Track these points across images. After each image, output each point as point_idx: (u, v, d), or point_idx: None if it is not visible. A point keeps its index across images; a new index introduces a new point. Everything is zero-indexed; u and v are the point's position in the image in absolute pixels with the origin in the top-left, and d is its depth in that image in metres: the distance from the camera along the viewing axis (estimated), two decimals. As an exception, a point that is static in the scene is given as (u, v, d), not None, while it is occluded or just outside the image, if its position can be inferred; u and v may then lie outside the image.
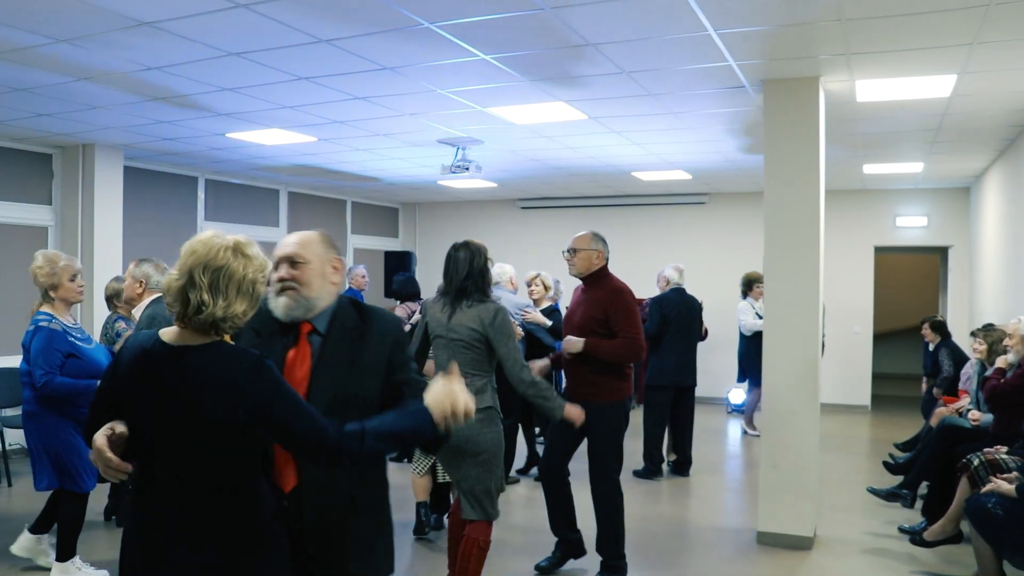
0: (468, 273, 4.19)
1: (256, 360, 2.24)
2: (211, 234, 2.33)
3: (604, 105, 6.54)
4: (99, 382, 2.67)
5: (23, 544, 5.05)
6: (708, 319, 8.71)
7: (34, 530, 5.07)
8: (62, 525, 4.84)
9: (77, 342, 4.77)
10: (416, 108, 6.67)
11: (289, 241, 2.66)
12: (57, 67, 5.52)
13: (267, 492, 2.37)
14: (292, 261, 2.60)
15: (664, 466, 7.95)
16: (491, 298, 4.22)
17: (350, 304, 2.69)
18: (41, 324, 4.69)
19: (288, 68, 5.48)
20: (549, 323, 6.88)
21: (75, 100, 6.52)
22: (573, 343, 4.81)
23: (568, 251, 5.00)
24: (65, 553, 4.81)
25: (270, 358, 2.28)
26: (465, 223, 13.61)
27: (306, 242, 2.65)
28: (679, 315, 7.70)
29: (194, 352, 2.25)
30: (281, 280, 2.59)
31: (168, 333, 2.30)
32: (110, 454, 2.21)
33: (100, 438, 2.23)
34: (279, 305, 2.59)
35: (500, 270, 7.07)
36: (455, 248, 4.27)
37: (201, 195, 10.64)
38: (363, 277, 9.87)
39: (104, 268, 8.51)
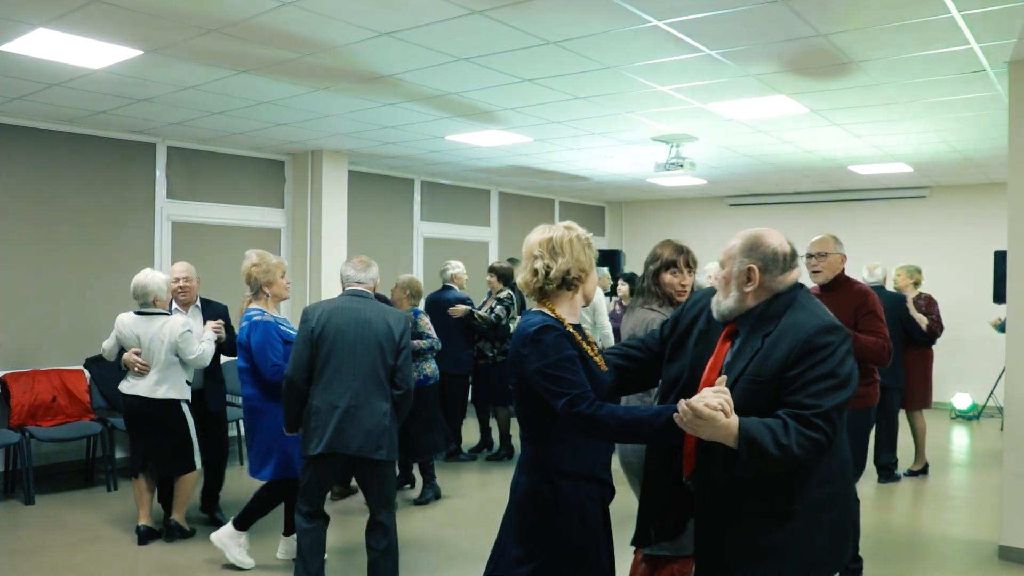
0: (644, 275, 4.13)
1: (541, 326, 2.67)
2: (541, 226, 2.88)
3: (827, 97, 6.33)
4: None
5: (283, 548, 5.37)
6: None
7: (288, 532, 5.35)
8: (278, 503, 5.27)
9: (288, 331, 5.09)
10: (633, 106, 6.68)
11: (725, 246, 2.73)
12: (299, 79, 5.90)
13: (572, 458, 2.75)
14: (721, 263, 2.73)
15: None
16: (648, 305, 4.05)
17: (783, 303, 2.58)
18: (255, 319, 4.98)
19: (513, 71, 5.62)
20: None
21: (310, 110, 6.94)
22: None
23: (815, 255, 4.84)
24: (243, 524, 5.22)
25: (550, 329, 2.66)
26: (672, 221, 13.51)
27: (729, 243, 2.71)
28: None
29: (524, 316, 2.82)
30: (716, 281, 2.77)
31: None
32: None
33: None
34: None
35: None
36: (659, 246, 4.15)
37: (417, 196, 11.08)
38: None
39: (331, 266, 9.01)
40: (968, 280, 11.05)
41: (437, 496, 6.89)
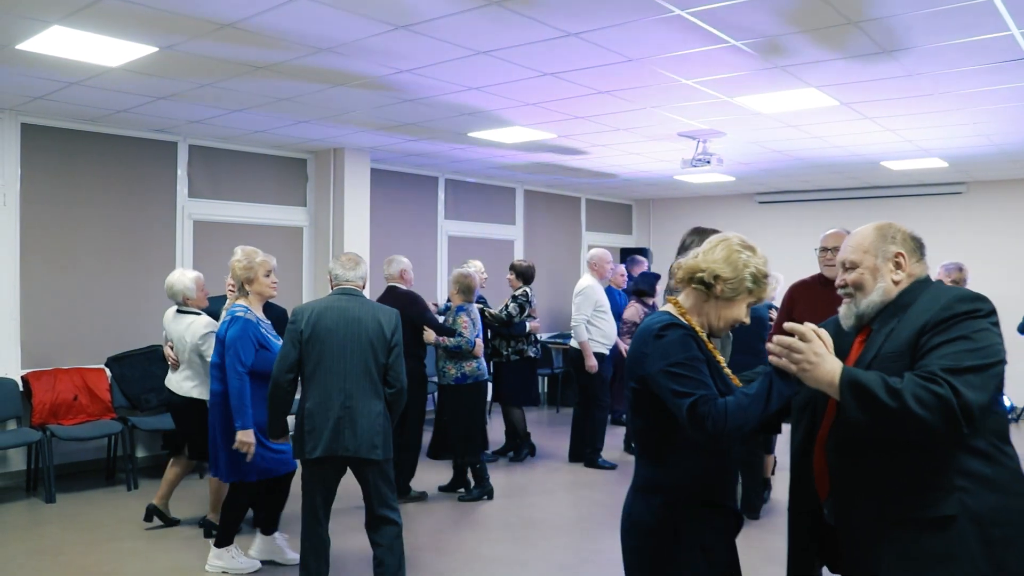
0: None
1: (666, 323, 2.45)
2: None
3: (858, 89, 6.14)
4: None
5: (259, 547, 5.26)
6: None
7: (265, 531, 5.27)
8: (248, 505, 5.16)
9: (268, 335, 4.98)
10: (658, 100, 6.54)
11: (849, 244, 2.52)
12: (317, 76, 5.82)
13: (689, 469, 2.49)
14: (844, 265, 2.50)
15: None
16: None
17: (920, 288, 2.40)
18: (237, 314, 4.86)
19: (534, 64, 5.50)
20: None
21: (330, 106, 6.86)
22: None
23: (830, 249, 4.71)
24: (224, 540, 5.08)
25: (676, 327, 2.44)
26: (700, 219, 13.21)
27: (855, 240, 2.50)
28: None
29: (650, 315, 2.63)
30: (841, 287, 2.51)
31: None
32: None
33: None
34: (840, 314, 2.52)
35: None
36: (688, 234, 4.01)
37: (441, 195, 10.98)
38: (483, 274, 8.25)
39: (353, 265, 8.96)
40: (1007, 278, 10.77)
41: (489, 496, 6.83)
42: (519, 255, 11.76)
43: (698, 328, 2.50)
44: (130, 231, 7.85)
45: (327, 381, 4.33)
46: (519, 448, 8.25)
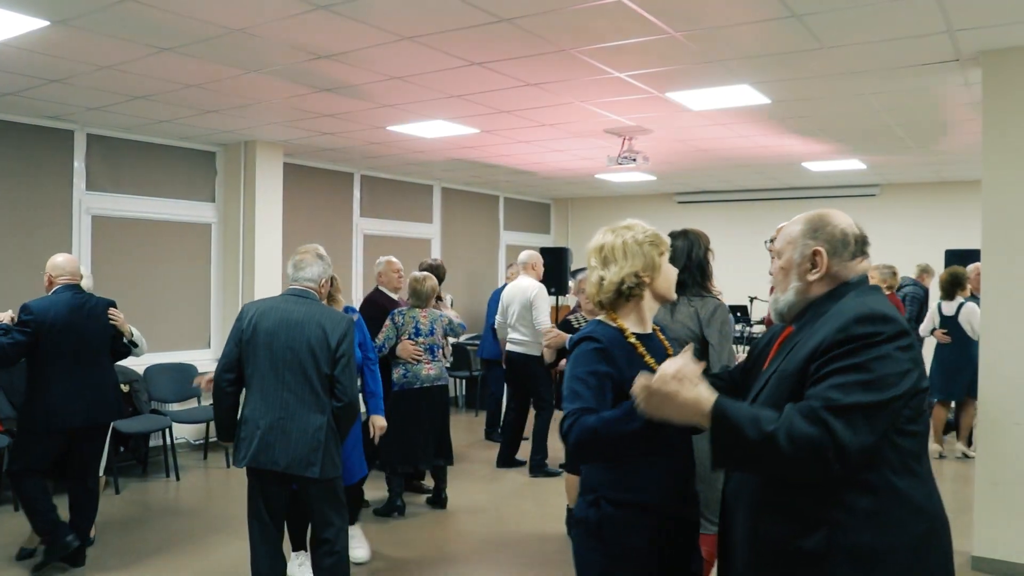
0: (684, 265, 3.85)
1: (580, 337, 2.49)
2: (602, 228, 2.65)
3: (791, 87, 6.04)
4: None
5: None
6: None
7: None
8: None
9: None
10: (588, 94, 6.32)
11: (782, 233, 2.35)
12: (227, 60, 5.43)
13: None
14: (777, 255, 2.33)
15: None
16: (712, 293, 3.87)
17: (843, 291, 2.17)
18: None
19: (461, 53, 5.22)
20: None
21: (241, 95, 6.45)
22: None
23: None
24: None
25: (587, 340, 2.46)
26: (620, 219, 13.15)
27: (786, 229, 2.31)
28: None
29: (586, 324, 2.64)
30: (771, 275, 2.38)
31: None
32: None
33: None
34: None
35: None
36: (672, 236, 3.86)
37: (357, 192, 10.60)
38: (397, 273, 7.22)
39: (264, 263, 8.58)
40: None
41: (399, 513, 6.39)
42: (436, 254, 11.45)
43: (630, 333, 2.52)
44: (20, 226, 7.26)
45: (263, 388, 3.99)
46: None
